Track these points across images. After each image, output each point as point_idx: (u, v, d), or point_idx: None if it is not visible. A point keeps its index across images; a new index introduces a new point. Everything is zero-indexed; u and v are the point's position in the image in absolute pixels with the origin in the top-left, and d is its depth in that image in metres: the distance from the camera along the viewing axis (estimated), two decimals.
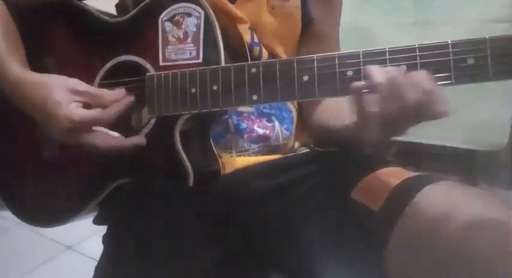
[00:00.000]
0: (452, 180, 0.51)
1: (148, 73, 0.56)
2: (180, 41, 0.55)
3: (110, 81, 0.61)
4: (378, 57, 0.44)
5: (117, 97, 0.54)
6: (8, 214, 0.69)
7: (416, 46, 0.43)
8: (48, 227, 0.67)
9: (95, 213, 0.66)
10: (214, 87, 0.51)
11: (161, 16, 0.57)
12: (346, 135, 0.56)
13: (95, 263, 0.61)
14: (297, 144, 0.70)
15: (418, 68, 0.43)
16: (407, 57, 0.43)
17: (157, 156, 0.57)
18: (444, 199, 0.47)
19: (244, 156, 0.63)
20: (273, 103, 0.65)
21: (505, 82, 0.42)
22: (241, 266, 0.61)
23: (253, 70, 0.49)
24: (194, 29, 0.55)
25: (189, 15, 0.55)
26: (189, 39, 0.55)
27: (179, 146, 0.55)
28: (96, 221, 0.66)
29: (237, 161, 0.62)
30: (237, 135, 0.62)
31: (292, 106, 0.69)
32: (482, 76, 0.41)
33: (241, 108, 0.63)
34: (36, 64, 0.60)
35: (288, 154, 0.66)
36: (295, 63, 0.47)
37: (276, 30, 0.65)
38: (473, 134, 1.03)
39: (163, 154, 0.57)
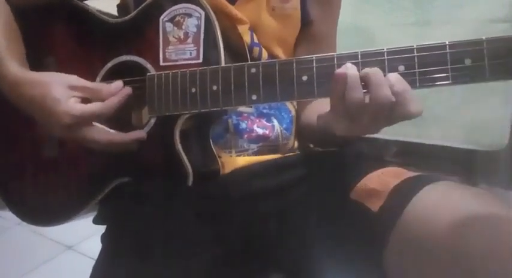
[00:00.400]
0: (452, 180, 0.51)
1: (148, 73, 0.56)
2: (180, 41, 0.56)
3: (111, 81, 0.61)
4: (376, 58, 0.44)
5: (115, 90, 0.55)
6: (8, 214, 0.69)
7: (414, 47, 0.43)
8: (48, 227, 0.67)
9: (95, 213, 0.67)
10: (214, 87, 0.51)
11: (162, 17, 0.57)
12: (319, 126, 0.56)
13: None
14: (296, 144, 0.70)
15: (416, 68, 0.43)
16: (405, 58, 0.43)
17: (157, 155, 0.58)
18: (444, 199, 0.47)
19: (244, 156, 0.63)
20: (272, 104, 0.66)
21: (505, 82, 0.42)
22: (241, 266, 0.61)
23: (253, 70, 0.49)
24: (194, 30, 0.55)
25: (190, 15, 0.55)
26: (190, 40, 0.55)
27: (179, 146, 0.55)
28: (96, 221, 0.66)
29: (236, 161, 0.62)
30: (237, 135, 0.62)
31: (291, 106, 0.70)
32: (480, 76, 0.41)
33: (241, 108, 0.63)
34: (37, 64, 0.61)
35: (288, 154, 0.67)
36: (294, 64, 0.48)
37: (275, 31, 0.65)
38: (473, 134, 1.03)
39: (163, 153, 0.57)
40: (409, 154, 1.21)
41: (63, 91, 0.52)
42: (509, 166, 1.16)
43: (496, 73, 0.41)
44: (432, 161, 1.19)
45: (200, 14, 0.55)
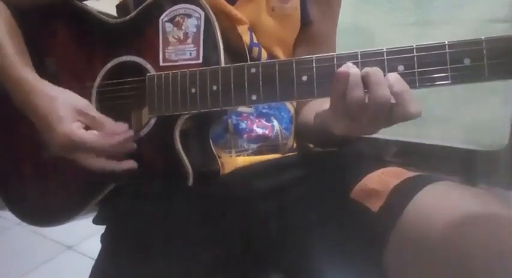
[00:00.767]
0: (452, 180, 0.51)
1: (148, 74, 0.56)
2: (180, 42, 0.56)
3: (111, 81, 0.62)
4: (375, 58, 0.44)
5: (118, 131, 0.54)
6: (8, 214, 0.69)
7: (414, 46, 0.43)
8: (48, 227, 0.67)
9: (95, 213, 0.67)
10: (214, 87, 0.51)
11: (162, 17, 0.57)
12: (316, 125, 0.55)
13: None
14: (296, 144, 0.70)
15: (416, 68, 0.43)
16: (405, 58, 0.44)
17: (157, 155, 0.58)
18: (443, 199, 0.47)
19: (244, 156, 0.63)
20: (272, 104, 0.66)
21: (505, 82, 0.42)
22: (241, 266, 0.61)
23: (253, 70, 0.49)
24: (194, 30, 0.55)
25: (189, 16, 0.55)
26: (189, 40, 0.55)
27: (179, 146, 0.55)
28: (96, 221, 0.66)
29: (236, 161, 0.62)
30: (237, 135, 0.62)
31: (291, 106, 0.70)
32: (479, 76, 0.41)
33: (240, 109, 0.63)
34: (38, 65, 0.61)
35: (288, 154, 0.67)
36: (294, 64, 0.48)
37: (275, 32, 0.65)
38: (473, 134, 1.03)
39: (163, 154, 0.57)
40: (409, 154, 1.21)
41: (69, 113, 0.53)
42: (509, 166, 1.16)
43: (495, 72, 0.41)
44: (432, 161, 1.19)
45: (200, 15, 0.55)
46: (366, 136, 0.49)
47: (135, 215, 0.60)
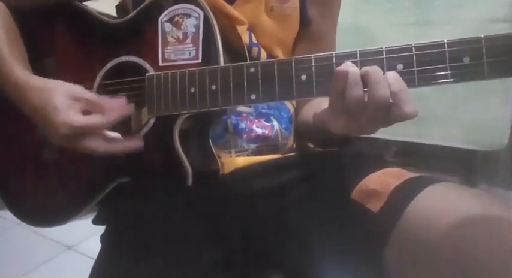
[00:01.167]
0: (452, 181, 0.51)
1: (147, 74, 0.56)
2: (179, 42, 0.56)
3: (110, 81, 0.62)
4: (374, 57, 0.44)
5: (118, 106, 0.54)
6: (8, 214, 0.69)
7: (413, 45, 0.43)
8: (48, 227, 0.67)
9: (95, 213, 0.67)
10: (213, 87, 0.51)
11: (161, 17, 0.57)
12: (315, 124, 0.55)
13: None
14: (296, 144, 0.70)
15: (415, 67, 0.43)
16: (404, 57, 0.43)
17: (156, 155, 0.57)
18: (444, 200, 0.47)
19: (244, 156, 0.63)
20: (271, 103, 0.66)
21: (505, 82, 0.42)
22: (241, 266, 0.61)
23: (252, 70, 0.49)
24: (193, 30, 0.55)
25: (189, 16, 0.55)
26: (189, 40, 0.55)
27: (178, 146, 0.55)
28: (95, 222, 0.66)
29: (236, 161, 0.62)
30: (236, 135, 0.62)
31: (290, 106, 0.70)
32: (478, 74, 0.41)
33: (240, 108, 0.63)
34: (38, 65, 0.61)
35: (288, 154, 0.67)
36: (293, 63, 0.48)
37: (274, 31, 0.65)
38: (473, 134, 1.03)
39: (163, 153, 0.57)
40: (409, 154, 1.21)
41: (64, 101, 0.52)
42: (509, 166, 1.16)
43: (494, 71, 0.41)
44: (432, 161, 1.19)
45: (199, 14, 0.55)
46: (366, 136, 0.49)
47: (135, 215, 0.60)
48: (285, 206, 0.60)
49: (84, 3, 0.66)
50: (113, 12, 0.70)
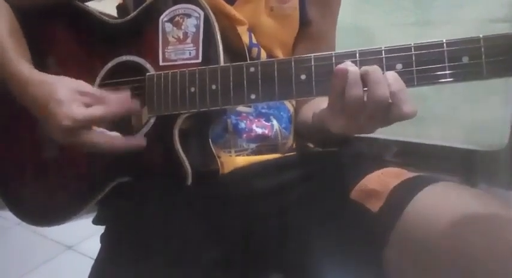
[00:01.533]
0: (452, 181, 0.51)
1: (148, 73, 0.56)
2: (179, 42, 0.56)
3: (111, 81, 0.62)
4: (374, 56, 0.44)
5: (121, 99, 0.54)
6: (8, 214, 0.69)
7: (412, 45, 0.43)
8: (48, 227, 0.67)
9: (95, 213, 0.67)
10: (213, 87, 0.51)
11: (161, 17, 0.57)
12: (314, 123, 0.55)
13: None
14: (295, 143, 0.70)
15: (414, 66, 0.43)
16: (403, 56, 0.44)
17: (156, 155, 0.57)
18: (443, 200, 0.47)
19: (243, 156, 0.63)
20: (271, 103, 0.66)
21: (505, 82, 0.42)
22: (241, 266, 0.61)
23: (252, 69, 0.49)
24: (194, 30, 0.55)
25: (189, 16, 0.55)
26: (189, 40, 0.55)
27: (178, 145, 0.55)
28: (95, 222, 0.66)
29: (236, 160, 0.62)
30: (236, 135, 0.62)
31: (290, 106, 0.70)
32: (477, 74, 0.41)
33: (239, 108, 0.63)
34: (40, 64, 0.61)
35: (288, 154, 0.67)
36: (292, 63, 0.48)
37: (274, 32, 0.65)
38: (473, 134, 1.03)
39: (163, 153, 0.57)
40: (409, 154, 1.21)
41: (67, 94, 0.52)
42: (509, 166, 1.16)
43: (493, 70, 0.41)
44: (432, 161, 1.19)
45: (199, 14, 0.55)
46: (365, 136, 0.49)
47: (135, 215, 0.60)
48: (284, 206, 0.60)
49: (86, 3, 0.66)
50: (114, 13, 0.70)
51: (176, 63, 0.56)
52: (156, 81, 0.55)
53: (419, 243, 0.45)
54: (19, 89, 0.56)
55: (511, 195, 1.13)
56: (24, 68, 0.56)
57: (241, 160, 0.62)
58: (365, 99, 0.43)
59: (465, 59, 0.42)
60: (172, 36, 0.56)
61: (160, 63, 0.56)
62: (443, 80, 0.42)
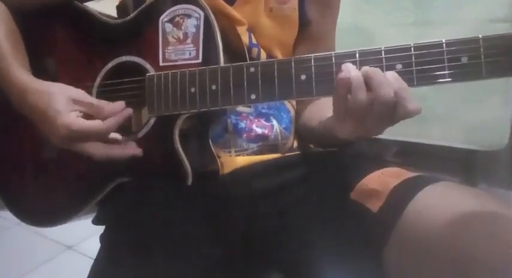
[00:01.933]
0: (452, 181, 0.51)
1: (148, 74, 0.56)
2: (180, 42, 0.56)
3: (111, 81, 0.62)
4: (373, 57, 0.45)
5: (117, 110, 0.55)
6: (8, 214, 0.69)
7: (412, 45, 0.44)
8: (48, 227, 0.67)
9: (95, 213, 0.67)
10: (213, 87, 0.51)
11: (161, 17, 0.57)
12: (322, 130, 0.56)
13: None
14: (296, 144, 0.70)
15: (413, 66, 0.43)
16: (403, 56, 0.44)
17: (156, 155, 0.58)
18: (443, 199, 0.47)
19: (243, 156, 0.63)
20: (271, 104, 0.66)
21: (505, 82, 0.42)
22: (241, 266, 0.61)
23: (252, 69, 0.50)
24: (194, 30, 0.55)
25: (189, 16, 0.55)
26: (189, 40, 0.55)
27: (178, 145, 0.55)
28: (95, 222, 0.66)
29: (236, 160, 0.62)
30: (236, 135, 0.62)
31: (290, 107, 0.70)
32: (476, 74, 0.42)
33: (239, 108, 0.63)
34: (39, 66, 0.61)
35: (288, 154, 0.67)
36: (292, 63, 0.48)
37: (273, 32, 0.65)
38: (473, 134, 1.03)
39: (163, 153, 0.57)
40: (409, 154, 1.21)
41: (65, 104, 0.53)
42: (509, 166, 1.16)
43: (492, 70, 0.41)
44: (432, 161, 1.19)
45: (199, 15, 0.55)
46: None
47: (134, 215, 0.60)
48: (284, 206, 0.60)
49: (85, 3, 0.66)
50: (114, 13, 0.70)
51: (176, 63, 0.56)
52: (156, 82, 0.55)
53: (419, 243, 0.45)
54: (18, 97, 0.56)
55: (511, 195, 1.13)
56: (22, 75, 0.56)
57: (241, 160, 0.62)
58: (370, 101, 0.43)
59: (464, 59, 0.42)
60: (173, 37, 0.56)
61: (161, 64, 0.57)
62: (442, 80, 0.42)
